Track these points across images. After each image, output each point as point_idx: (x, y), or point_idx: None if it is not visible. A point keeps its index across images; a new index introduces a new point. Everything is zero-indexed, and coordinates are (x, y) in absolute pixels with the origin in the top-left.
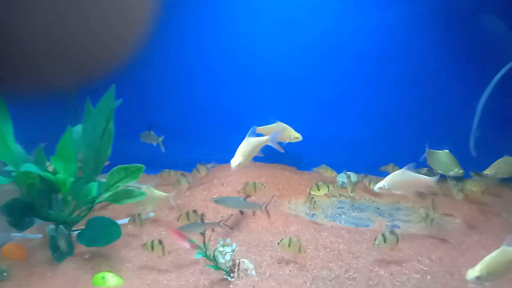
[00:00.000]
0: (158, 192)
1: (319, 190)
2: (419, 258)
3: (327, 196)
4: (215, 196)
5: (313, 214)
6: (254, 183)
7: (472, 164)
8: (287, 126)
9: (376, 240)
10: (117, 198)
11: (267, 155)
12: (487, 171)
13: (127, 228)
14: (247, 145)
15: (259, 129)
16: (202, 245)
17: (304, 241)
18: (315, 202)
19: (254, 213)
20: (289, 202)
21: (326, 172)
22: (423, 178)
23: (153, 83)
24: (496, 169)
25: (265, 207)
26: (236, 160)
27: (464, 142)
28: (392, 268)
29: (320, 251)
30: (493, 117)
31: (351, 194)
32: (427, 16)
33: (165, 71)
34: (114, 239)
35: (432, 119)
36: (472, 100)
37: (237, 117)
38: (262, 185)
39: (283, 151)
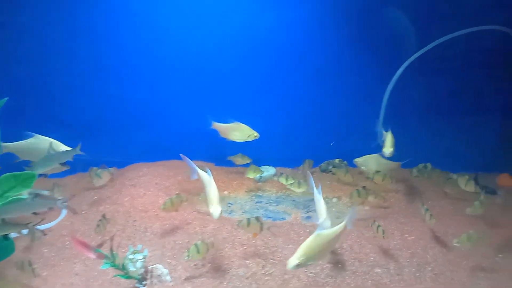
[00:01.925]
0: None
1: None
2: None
3: (246, 191)
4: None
5: (231, 211)
6: (171, 199)
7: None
8: (245, 125)
9: (240, 223)
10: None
11: (184, 151)
12: (357, 160)
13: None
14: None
15: (216, 125)
16: (109, 254)
17: (221, 240)
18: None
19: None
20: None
21: (242, 160)
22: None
23: (60, 79)
24: (365, 163)
25: (65, 202)
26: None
27: (372, 135)
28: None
29: (237, 249)
30: (397, 109)
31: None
32: (329, 12)
33: (72, 67)
34: (6, 256)
35: (337, 114)
36: (377, 94)
37: (146, 115)
38: (181, 200)
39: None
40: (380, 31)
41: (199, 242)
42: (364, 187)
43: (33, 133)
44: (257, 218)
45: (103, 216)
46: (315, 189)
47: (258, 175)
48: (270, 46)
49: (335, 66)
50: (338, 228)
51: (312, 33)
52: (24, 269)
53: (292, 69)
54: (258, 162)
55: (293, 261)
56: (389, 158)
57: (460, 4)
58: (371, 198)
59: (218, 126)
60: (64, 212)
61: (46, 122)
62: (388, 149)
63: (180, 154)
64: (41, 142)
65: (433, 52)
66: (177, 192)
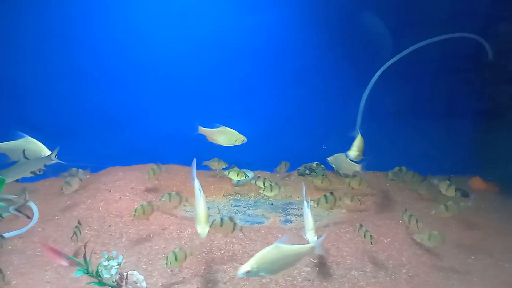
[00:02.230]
0: None
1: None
2: None
3: (223, 195)
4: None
5: (209, 215)
6: (142, 206)
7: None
8: (232, 130)
9: (212, 223)
10: None
11: (161, 154)
12: (329, 158)
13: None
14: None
15: (202, 130)
16: (83, 261)
17: (198, 245)
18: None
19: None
20: (184, 204)
21: (218, 164)
22: (352, 163)
23: (31, 81)
24: (335, 161)
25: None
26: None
27: (347, 139)
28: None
29: (214, 254)
30: (375, 113)
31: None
32: (308, 16)
33: (45, 68)
34: None
35: (315, 117)
36: (353, 98)
37: (121, 118)
38: (152, 208)
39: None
40: (358, 35)
41: (177, 250)
42: (331, 193)
43: (24, 134)
44: (231, 218)
45: (79, 222)
46: (305, 203)
47: (241, 178)
48: (249, 49)
49: (314, 69)
50: (302, 247)
51: (291, 36)
52: None
53: (271, 72)
54: (237, 166)
55: (244, 267)
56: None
57: (435, 11)
58: (347, 201)
59: (205, 131)
60: (36, 217)
61: (16, 125)
62: (353, 152)
63: (193, 162)
64: (30, 144)
65: (409, 57)
66: (153, 197)
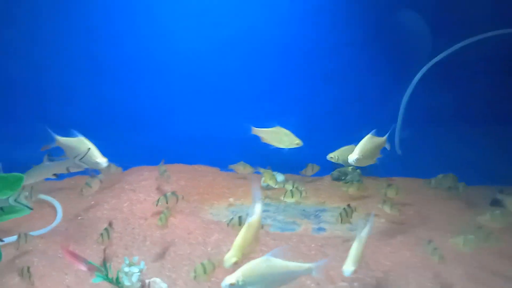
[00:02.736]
0: None
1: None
2: None
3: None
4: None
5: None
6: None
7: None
8: (288, 131)
9: (229, 222)
10: None
11: (189, 155)
12: (331, 155)
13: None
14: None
15: (256, 130)
16: (102, 267)
17: (226, 252)
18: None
19: None
20: (210, 207)
21: (244, 169)
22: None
23: (56, 79)
24: (340, 154)
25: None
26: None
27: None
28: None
29: (243, 262)
30: (417, 115)
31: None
32: (345, 13)
33: (70, 66)
34: None
35: (353, 118)
36: (392, 99)
37: (149, 117)
38: (177, 197)
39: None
40: (396, 32)
41: (206, 261)
42: (349, 205)
43: (78, 133)
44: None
45: (110, 224)
46: (365, 229)
47: (274, 184)
48: (280, 46)
49: (349, 68)
50: (297, 266)
51: (324, 33)
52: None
53: (303, 70)
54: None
55: (229, 279)
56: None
57: (483, 6)
58: (386, 209)
59: (259, 131)
60: (60, 216)
61: (42, 123)
62: (353, 155)
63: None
64: (83, 145)
65: (455, 55)
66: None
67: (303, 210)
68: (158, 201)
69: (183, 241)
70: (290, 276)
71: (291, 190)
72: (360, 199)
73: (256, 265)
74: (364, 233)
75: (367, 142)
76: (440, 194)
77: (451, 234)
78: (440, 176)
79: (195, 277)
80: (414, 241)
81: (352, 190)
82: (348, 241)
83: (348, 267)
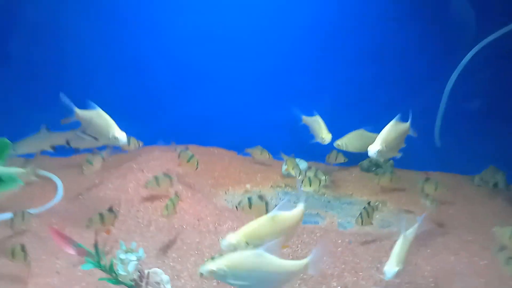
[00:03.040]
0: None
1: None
2: (378, 266)
3: (271, 186)
4: None
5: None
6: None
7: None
8: (322, 123)
9: (239, 205)
10: None
11: (205, 136)
12: (338, 142)
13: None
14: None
15: (307, 119)
16: (94, 251)
17: None
18: None
19: None
20: (225, 192)
21: (260, 154)
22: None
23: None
24: (347, 141)
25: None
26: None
27: (428, 130)
28: (346, 279)
29: None
30: (460, 104)
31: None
32: None
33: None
34: None
35: (393, 101)
36: (437, 83)
37: (162, 96)
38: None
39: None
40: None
41: (216, 256)
42: (369, 203)
43: (96, 105)
44: (261, 197)
45: (110, 209)
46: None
47: (297, 172)
48: (318, 23)
49: (391, 46)
50: (292, 264)
51: (360, 10)
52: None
53: (335, 50)
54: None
55: (209, 265)
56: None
57: None
58: (428, 203)
59: (307, 120)
60: (60, 194)
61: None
62: (374, 146)
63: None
64: (100, 118)
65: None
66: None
67: (328, 202)
68: (147, 183)
69: (192, 228)
70: (283, 277)
71: (309, 177)
72: (392, 192)
73: (246, 257)
74: (410, 232)
75: (391, 130)
76: (484, 192)
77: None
78: (486, 171)
79: (201, 274)
80: (458, 244)
81: (383, 181)
82: (379, 240)
83: (391, 268)
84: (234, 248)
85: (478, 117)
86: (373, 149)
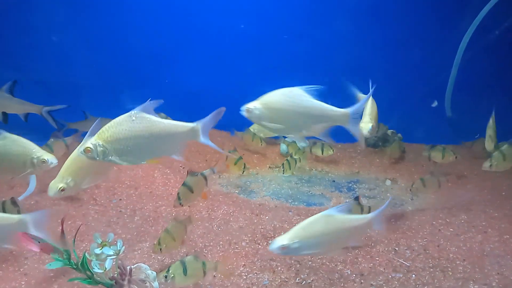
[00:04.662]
0: None
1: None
2: (396, 249)
3: (269, 167)
4: None
5: (250, 191)
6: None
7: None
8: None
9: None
10: None
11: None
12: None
13: None
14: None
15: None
16: (62, 246)
17: (236, 230)
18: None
19: None
20: (219, 176)
21: (252, 141)
22: None
23: None
24: None
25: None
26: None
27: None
28: (361, 265)
29: (259, 244)
30: (470, 76)
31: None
32: None
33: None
34: None
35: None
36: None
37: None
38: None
39: None
40: None
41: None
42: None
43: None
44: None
45: (13, 200)
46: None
47: (296, 153)
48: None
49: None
50: (357, 219)
51: None
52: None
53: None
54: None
55: (280, 240)
56: None
57: None
58: (442, 178)
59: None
60: (32, 186)
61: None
62: (365, 124)
63: None
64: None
65: None
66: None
67: (333, 181)
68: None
69: (182, 216)
70: (350, 233)
71: (322, 143)
72: (401, 169)
73: (314, 222)
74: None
75: (373, 104)
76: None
77: None
78: (502, 144)
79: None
80: (485, 221)
81: (393, 152)
82: (392, 220)
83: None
84: None
85: (489, 89)
86: (367, 127)
